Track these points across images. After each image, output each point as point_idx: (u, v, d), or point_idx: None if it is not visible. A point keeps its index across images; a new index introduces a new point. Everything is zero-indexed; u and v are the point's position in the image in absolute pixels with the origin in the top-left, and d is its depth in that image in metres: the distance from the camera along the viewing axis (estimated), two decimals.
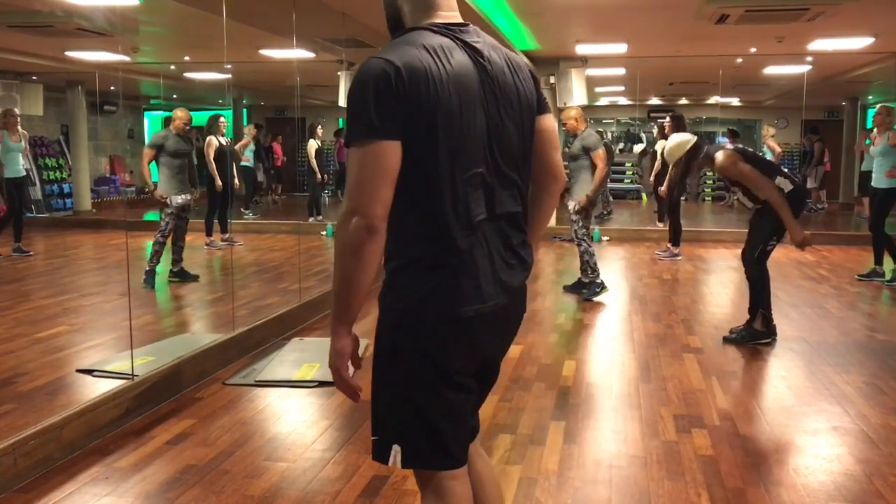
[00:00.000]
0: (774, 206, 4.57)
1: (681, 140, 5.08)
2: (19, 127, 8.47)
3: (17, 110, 8.70)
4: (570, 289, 6.69)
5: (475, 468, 1.87)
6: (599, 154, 6.10)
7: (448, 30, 1.67)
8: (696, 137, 5.13)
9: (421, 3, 1.69)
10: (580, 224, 6.32)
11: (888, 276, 7.05)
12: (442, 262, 1.62)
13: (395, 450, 1.69)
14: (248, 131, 12.54)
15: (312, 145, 11.53)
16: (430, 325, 1.64)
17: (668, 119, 9.09)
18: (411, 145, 1.56)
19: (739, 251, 5.04)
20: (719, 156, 4.71)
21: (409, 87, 1.53)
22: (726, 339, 4.95)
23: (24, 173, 8.52)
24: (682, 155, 5.01)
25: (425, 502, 1.75)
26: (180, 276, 7.01)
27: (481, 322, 1.67)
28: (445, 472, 1.72)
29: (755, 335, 4.87)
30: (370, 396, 1.75)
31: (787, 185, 4.66)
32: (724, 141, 16.98)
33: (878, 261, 7.10)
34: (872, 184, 7.13)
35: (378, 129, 1.52)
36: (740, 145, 5.20)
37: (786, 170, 4.96)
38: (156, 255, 6.66)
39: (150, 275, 6.66)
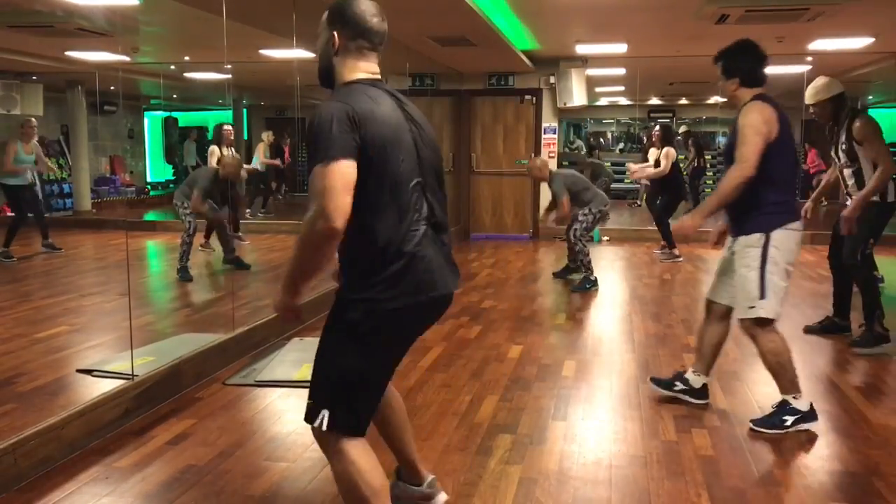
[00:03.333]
0: (882, 178, 4.41)
1: (829, 82, 4.66)
2: (35, 139, 8.46)
3: (34, 120, 8.63)
4: (559, 274, 7.42)
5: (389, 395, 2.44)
6: (564, 201, 6.70)
7: (374, 84, 2.18)
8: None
9: (353, 66, 2.19)
10: (579, 230, 6.83)
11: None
12: (399, 259, 2.06)
13: (324, 414, 2.10)
14: (266, 138, 12.70)
15: None
16: (391, 312, 2.08)
17: (656, 129, 9.03)
18: (364, 169, 2.00)
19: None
20: (864, 116, 4.54)
21: (360, 123, 2.01)
22: (855, 349, 4.70)
23: (30, 180, 8.54)
24: (828, 98, 4.61)
25: (334, 464, 2.14)
26: (235, 262, 7.58)
27: (431, 306, 2.17)
28: (351, 439, 2.12)
29: (880, 338, 4.67)
30: (314, 368, 2.16)
31: (892, 194, 4.54)
32: (724, 140, 17.00)
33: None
34: None
35: (344, 148, 1.97)
36: None
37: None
38: (185, 255, 7.10)
39: (184, 270, 7.10)
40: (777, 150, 3.25)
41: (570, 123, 17.80)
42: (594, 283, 6.80)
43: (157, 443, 3.29)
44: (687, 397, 3.71)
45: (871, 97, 14.61)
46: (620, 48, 8.78)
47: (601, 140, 18.26)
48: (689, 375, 3.74)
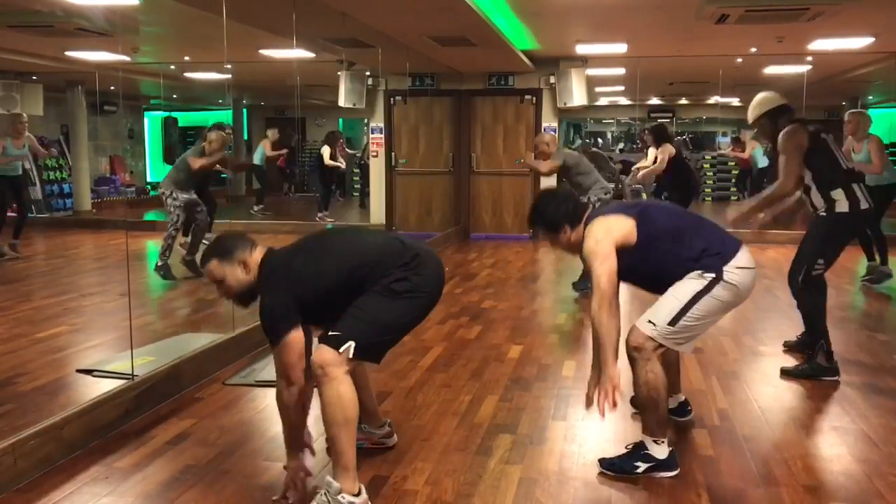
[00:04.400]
0: (777, 192, 4.18)
1: (763, 97, 4.42)
2: (26, 133, 8.38)
3: (24, 116, 8.54)
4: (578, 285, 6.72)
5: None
6: (547, 163, 6.54)
7: (274, 254, 2.84)
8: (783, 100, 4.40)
9: (257, 259, 2.78)
10: None
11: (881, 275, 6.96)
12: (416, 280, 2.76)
13: (350, 344, 2.57)
14: (271, 135, 12.82)
15: (326, 150, 12.00)
16: (421, 290, 2.75)
17: (646, 132, 8.72)
18: (339, 286, 2.72)
19: None
20: (789, 129, 4.18)
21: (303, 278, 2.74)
22: (784, 372, 4.27)
23: (20, 172, 8.44)
24: (763, 114, 4.36)
25: (330, 386, 2.55)
26: (191, 266, 7.16)
27: (438, 289, 2.89)
28: (349, 368, 2.59)
29: (818, 371, 4.18)
30: (352, 314, 2.64)
31: (842, 205, 4.09)
32: (724, 141, 16.99)
33: (871, 258, 7.06)
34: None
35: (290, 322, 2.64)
36: (824, 133, 4.27)
37: (856, 189, 4.16)
38: (168, 249, 6.91)
39: (166, 268, 6.94)
40: (651, 223, 3.00)
41: (570, 124, 17.81)
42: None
43: (157, 443, 3.29)
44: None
45: (871, 97, 14.61)
46: (620, 48, 8.77)
47: (599, 140, 18.27)
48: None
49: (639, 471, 2.95)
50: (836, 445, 3.33)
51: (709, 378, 4.20)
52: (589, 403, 2.98)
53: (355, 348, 2.57)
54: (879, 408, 3.75)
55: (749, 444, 3.28)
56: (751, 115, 4.49)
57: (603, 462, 3.02)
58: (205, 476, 2.96)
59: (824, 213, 4.17)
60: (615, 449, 3.21)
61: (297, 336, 2.62)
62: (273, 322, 2.65)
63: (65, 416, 3.16)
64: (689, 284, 2.95)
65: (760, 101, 4.45)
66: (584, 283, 6.53)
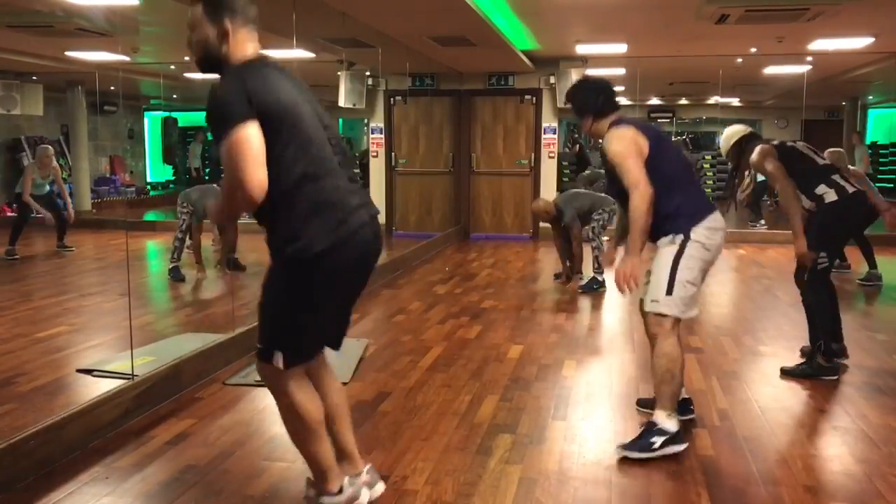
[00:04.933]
0: (784, 210, 4.30)
1: (732, 130, 4.58)
2: (54, 163, 8.88)
3: (50, 149, 9.01)
4: (560, 276, 7.17)
5: (322, 378, 2.56)
6: (576, 232, 6.82)
7: (266, 63, 2.37)
8: (749, 128, 4.57)
9: (244, 48, 2.34)
10: (597, 228, 6.76)
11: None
12: (318, 208, 2.28)
13: (278, 354, 2.33)
14: None
15: None
16: (318, 254, 2.25)
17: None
18: (288, 134, 2.23)
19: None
20: (756, 149, 4.34)
21: (262, 96, 2.25)
22: (784, 372, 4.26)
23: (47, 191, 8.89)
24: (732, 145, 4.50)
25: (280, 400, 2.41)
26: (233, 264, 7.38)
27: (353, 244, 2.33)
28: (295, 375, 2.37)
29: (818, 370, 4.18)
30: (265, 317, 2.39)
31: (830, 195, 4.12)
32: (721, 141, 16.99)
33: (873, 266, 7.10)
34: None
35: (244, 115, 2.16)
36: (789, 143, 4.48)
37: (837, 178, 4.21)
38: (177, 251, 7.05)
39: (175, 270, 7.05)
40: (657, 160, 3.19)
41: (570, 124, 17.80)
42: (602, 283, 6.72)
43: (157, 443, 3.29)
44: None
45: (871, 97, 14.61)
46: (620, 48, 8.78)
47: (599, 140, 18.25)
48: None
49: (655, 446, 3.08)
50: (836, 445, 3.33)
51: (709, 378, 4.21)
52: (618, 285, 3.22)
53: (284, 358, 2.33)
54: (879, 408, 3.75)
55: (749, 444, 3.28)
56: (723, 147, 4.65)
57: (622, 447, 3.13)
58: (205, 476, 2.96)
59: (815, 210, 4.22)
60: (615, 448, 3.21)
61: (254, 130, 2.14)
62: (224, 104, 2.18)
63: (65, 416, 3.16)
64: (665, 253, 3.22)
65: (730, 134, 4.58)
66: (589, 286, 6.64)
